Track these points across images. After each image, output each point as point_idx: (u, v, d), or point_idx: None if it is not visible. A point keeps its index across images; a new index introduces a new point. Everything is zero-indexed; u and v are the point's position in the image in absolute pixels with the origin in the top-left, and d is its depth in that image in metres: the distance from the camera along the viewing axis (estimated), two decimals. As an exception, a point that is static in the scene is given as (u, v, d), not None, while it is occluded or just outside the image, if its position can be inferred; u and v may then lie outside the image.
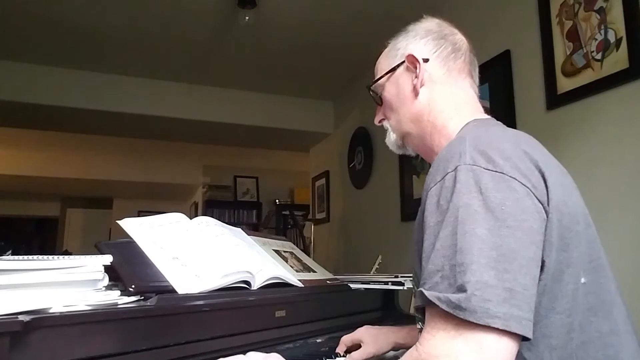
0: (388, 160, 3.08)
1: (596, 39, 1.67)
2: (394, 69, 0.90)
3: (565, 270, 0.64)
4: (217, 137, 4.32)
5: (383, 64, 0.94)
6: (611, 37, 1.61)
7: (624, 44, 1.56)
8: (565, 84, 1.78)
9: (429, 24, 0.91)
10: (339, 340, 1.08)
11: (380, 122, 0.97)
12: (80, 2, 2.51)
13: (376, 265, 2.41)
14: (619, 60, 1.58)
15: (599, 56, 1.65)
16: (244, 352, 0.84)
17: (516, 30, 2.04)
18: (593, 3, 1.69)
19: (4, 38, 2.87)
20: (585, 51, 1.70)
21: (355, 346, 1.06)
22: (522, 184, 0.63)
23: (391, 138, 0.94)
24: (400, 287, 1.40)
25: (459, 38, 0.90)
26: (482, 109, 0.88)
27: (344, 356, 1.05)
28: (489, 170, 0.63)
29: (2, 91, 3.10)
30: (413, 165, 2.81)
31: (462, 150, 0.67)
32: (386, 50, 0.95)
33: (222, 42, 2.97)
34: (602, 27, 1.65)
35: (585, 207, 0.72)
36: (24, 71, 3.17)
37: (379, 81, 0.93)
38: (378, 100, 0.95)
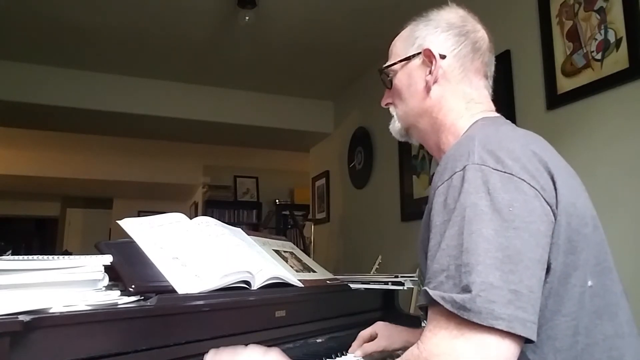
0: (388, 160, 3.08)
1: (596, 39, 1.67)
2: (408, 58, 0.87)
3: (572, 273, 0.64)
4: (217, 137, 4.32)
5: (399, 48, 0.90)
6: (611, 37, 1.61)
7: (624, 44, 1.56)
8: (565, 84, 1.78)
9: (452, 15, 0.87)
10: (339, 340, 1.08)
11: (386, 105, 0.94)
12: (81, 2, 2.51)
13: (376, 265, 2.41)
14: (619, 60, 1.58)
15: (599, 56, 1.65)
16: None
17: (516, 30, 2.05)
18: (593, 3, 1.69)
19: (4, 38, 2.87)
20: (585, 51, 1.70)
21: (371, 340, 1.09)
22: (531, 185, 0.62)
23: (395, 126, 0.92)
24: (400, 287, 1.40)
25: (480, 36, 0.87)
26: (493, 107, 0.86)
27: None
28: (497, 170, 0.63)
29: (2, 91, 3.10)
30: (413, 165, 2.81)
31: (470, 149, 0.66)
32: (404, 33, 0.91)
33: (222, 42, 2.97)
34: (602, 27, 1.65)
35: (593, 209, 0.72)
36: (24, 71, 3.17)
37: (392, 67, 0.90)
38: (388, 84, 0.91)
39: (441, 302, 0.58)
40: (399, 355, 1.01)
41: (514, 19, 2.07)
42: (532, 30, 1.95)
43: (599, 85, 1.64)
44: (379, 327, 1.10)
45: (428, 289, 0.61)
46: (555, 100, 1.82)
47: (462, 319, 0.56)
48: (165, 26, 2.77)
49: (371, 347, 1.06)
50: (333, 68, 3.38)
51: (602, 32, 1.65)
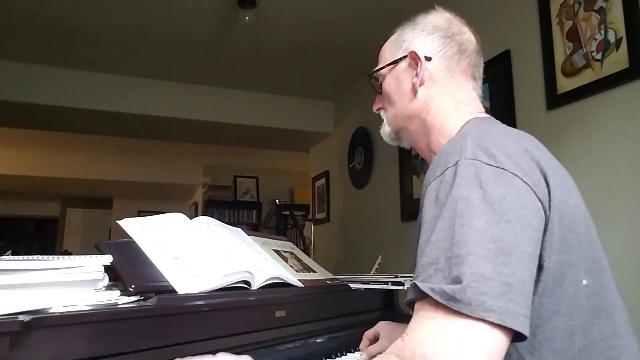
0: (388, 160, 3.08)
1: (596, 39, 1.67)
2: (396, 62, 0.88)
3: (567, 272, 0.63)
4: (217, 137, 4.32)
5: (387, 53, 0.92)
6: (611, 37, 1.61)
7: (624, 44, 1.56)
8: (565, 84, 1.78)
9: (439, 18, 0.88)
10: (339, 340, 1.09)
11: (378, 110, 0.96)
12: (81, 2, 2.51)
13: (376, 265, 2.41)
14: (619, 60, 1.58)
15: (599, 56, 1.65)
16: (243, 353, 0.84)
17: (516, 30, 2.04)
18: (593, 3, 1.69)
19: (4, 38, 2.87)
20: (585, 51, 1.70)
21: (375, 340, 1.09)
22: (524, 181, 0.62)
23: (385, 130, 0.94)
24: (400, 287, 1.40)
25: (466, 38, 0.88)
26: (482, 109, 0.87)
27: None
28: (490, 165, 0.63)
29: (2, 91, 3.10)
30: (413, 165, 2.81)
31: (463, 145, 0.66)
32: (392, 38, 0.92)
33: (222, 42, 2.97)
34: (602, 27, 1.65)
35: (586, 209, 0.72)
36: (24, 71, 3.17)
37: (381, 71, 0.91)
38: (378, 89, 0.93)
39: (430, 294, 0.57)
40: None
41: (514, 19, 2.07)
42: (532, 30, 1.95)
43: (599, 85, 1.64)
44: (380, 327, 1.10)
45: (416, 282, 0.60)
46: (555, 100, 1.82)
47: (451, 310, 0.55)
48: (165, 26, 2.77)
49: (375, 348, 1.05)
50: (333, 68, 3.38)
51: (602, 32, 1.65)
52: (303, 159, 4.71)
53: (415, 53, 0.85)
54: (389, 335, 1.06)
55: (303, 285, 1.15)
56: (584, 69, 1.70)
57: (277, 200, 6.07)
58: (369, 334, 1.10)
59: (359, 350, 1.09)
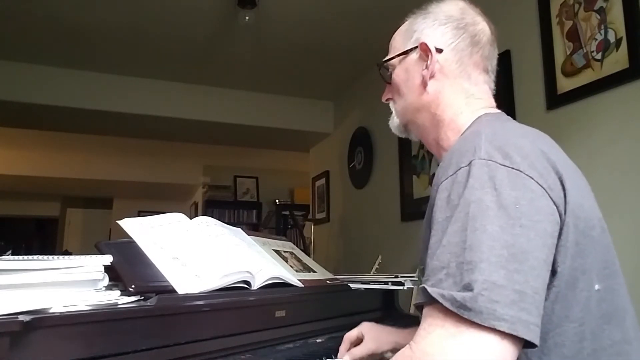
0: (388, 160, 3.08)
1: (596, 39, 1.67)
2: (406, 52, 0.85)
3: (580, 277, 0.62)
4: (217, 137, 4.32)
5: (398, 42, 0.88)
6: (611, 37, 1.61)
7: (624, 44, 1.56)
8: (565, 84, 1.78)
9: (452, 7, 0.85)
10: (339, 340, 1.08)
11: (387, 100, 0.93)
12: (81, 2, 2.51)
13: (376, 265, 2.41)
14: (619, 60, 1.58)
15: (599, 56, 1.65)
16: (243, 353, 0.84)
17: (516, 30, 2.04)
18: (593, 3, 1.69)
19: (4, 38, 2.87)
20: (585, 51, 1.70)
21: (358, 342, 1.04)
22: (539, 184, 0.61)
23: (394, 122, 0.91)
24: (400, 287, 1.40)
25: (480, 29, 0.84)
26: (494, 104, 0.84)
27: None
28: (505, 166, 0.61)
29: (2, 91, 3.10)
30: (413, 165, 2.81)
31: (477, 144, 0.64)
32: (403, 27, 0.89)
33: (222, 42, 2.97)
34: (602, 27, 1.65)
35: (599, 211, 0.70)
36: (24, 71, 3.17)
37: (391, 61, 0.88)
38: (387, 78, 0.90)
39: (440, 300, 0.56)
40: (387, 359, 0.98)
41: (514, 19, 2.07)
42: (532, 30, 1.95)
43: (599, 85, 1.64)
44: (365, 328, 1.04)
45: (426, 287, 0.58)
46: (555, 100, 1.82)
47: (461, 318, 0.54)
48: (165, 26, 2.77)
49: (360, 350, 1.00)
50: (333, 68, 3.37)
51: (602, 32, 1.65)
52: (303, 159, 4.71)
53: (426, 45, 0.82)
54: (375, 338, 1.01)
55: (303, 285, 1.15)
56: (584, 69, 1.70)
57: (277, 200, 6.06)
58: (351, 335, 1.03)
59: None
